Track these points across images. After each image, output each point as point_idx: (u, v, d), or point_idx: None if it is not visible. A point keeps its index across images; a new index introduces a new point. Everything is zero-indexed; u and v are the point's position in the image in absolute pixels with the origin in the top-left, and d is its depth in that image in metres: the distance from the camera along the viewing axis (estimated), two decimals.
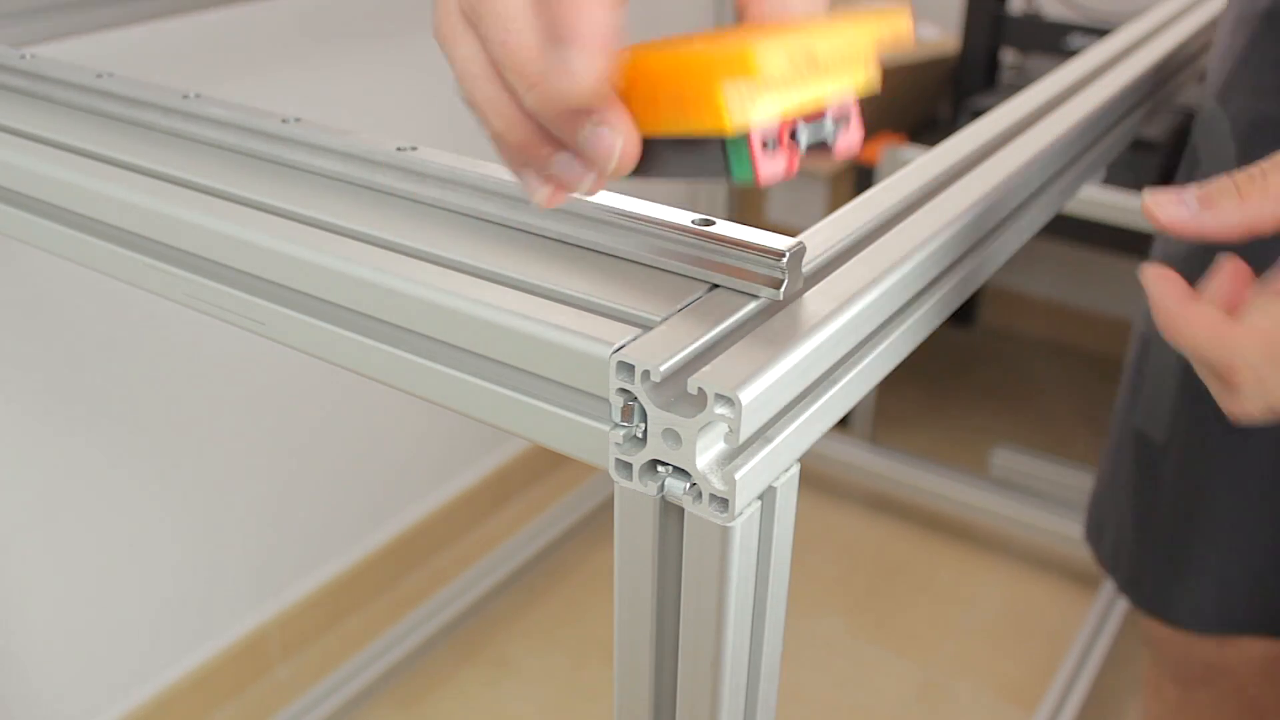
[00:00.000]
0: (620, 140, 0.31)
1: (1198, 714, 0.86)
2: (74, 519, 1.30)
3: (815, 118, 0.32)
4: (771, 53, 0.28)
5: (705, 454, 0.33)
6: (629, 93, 0.31)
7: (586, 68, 0.30)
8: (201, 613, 1.49)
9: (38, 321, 1.20)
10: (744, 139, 0.30)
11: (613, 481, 0.35)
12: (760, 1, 0.33)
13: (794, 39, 0.29)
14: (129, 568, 1.38)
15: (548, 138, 0.33)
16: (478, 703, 1.56)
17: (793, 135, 0.31)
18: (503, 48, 0.32)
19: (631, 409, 0.33)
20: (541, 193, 0.34)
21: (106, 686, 1.40)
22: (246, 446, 1.48)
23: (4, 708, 1.29)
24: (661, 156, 0.33)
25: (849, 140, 0.32)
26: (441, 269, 0.39)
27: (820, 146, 0.32)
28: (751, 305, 0.37)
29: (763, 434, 0.34)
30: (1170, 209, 0.44)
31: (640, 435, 0.34)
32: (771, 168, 0.31)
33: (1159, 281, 0.44)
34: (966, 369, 2.29)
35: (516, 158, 0.34)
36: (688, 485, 0.33)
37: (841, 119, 0.32)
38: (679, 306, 0.36)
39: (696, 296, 0.37)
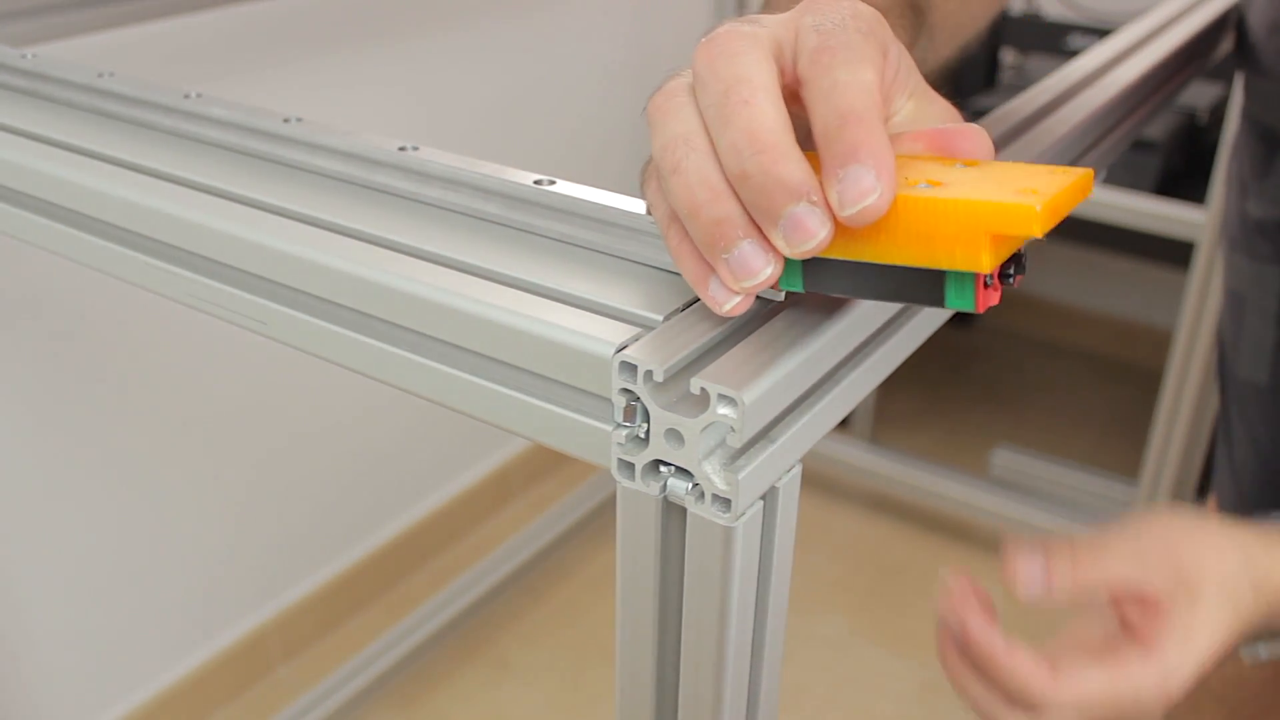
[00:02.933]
0: (826, 229, 0.32)
1: None
2: (74, 519, 1.30)
3: (1016, 252, 0.34)
4: (1045, 213, 0.30)
5: (708, 454, 0.33)
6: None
7: (886, 190, 0.31)
8: (201, 613, 1.49)
9: (38, 322, 1.20)
10: (972, 276, 0.32)
11: (614, 481, 0.35)
12: (957, 138, 0.36)
13: (1052, 198, 0.31)
14: (129, 568, 1.38)
15: (743, 220, 0.33)
16: (478, 703, 1.56)
17: (1002, 270, 0.33)
18: (745, 106, 0.32)
19: (634, 409, 0.33)
20: (736, 301, 0.34)
21: (106, 686, 1.40)
22: (246, 446, 1.48)
23: (5, 707, 1.29)
24: (859, 277, 0.34)
25: (1022, 275, 0.35)
26: (443, 269, 0.39)
27: (1012, 277, 0.34)
28: (753, 304, 0.37)
29: (765, 434, 0.34)
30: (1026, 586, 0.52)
31: (643, 435, 0.34)
32: (989, 300, 0.33)
33: (975, 625, 0.50)
34: (966, 369, 2.29)
35: (707, 236, 0.33)
36: (690, 485, 0.33)
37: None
38: (681, 306, 0.36)
39: (699, 297, 0.37)
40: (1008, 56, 1.99)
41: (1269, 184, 0.78)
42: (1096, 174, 0.65)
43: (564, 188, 0.42)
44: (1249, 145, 0.80)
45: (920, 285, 0.33)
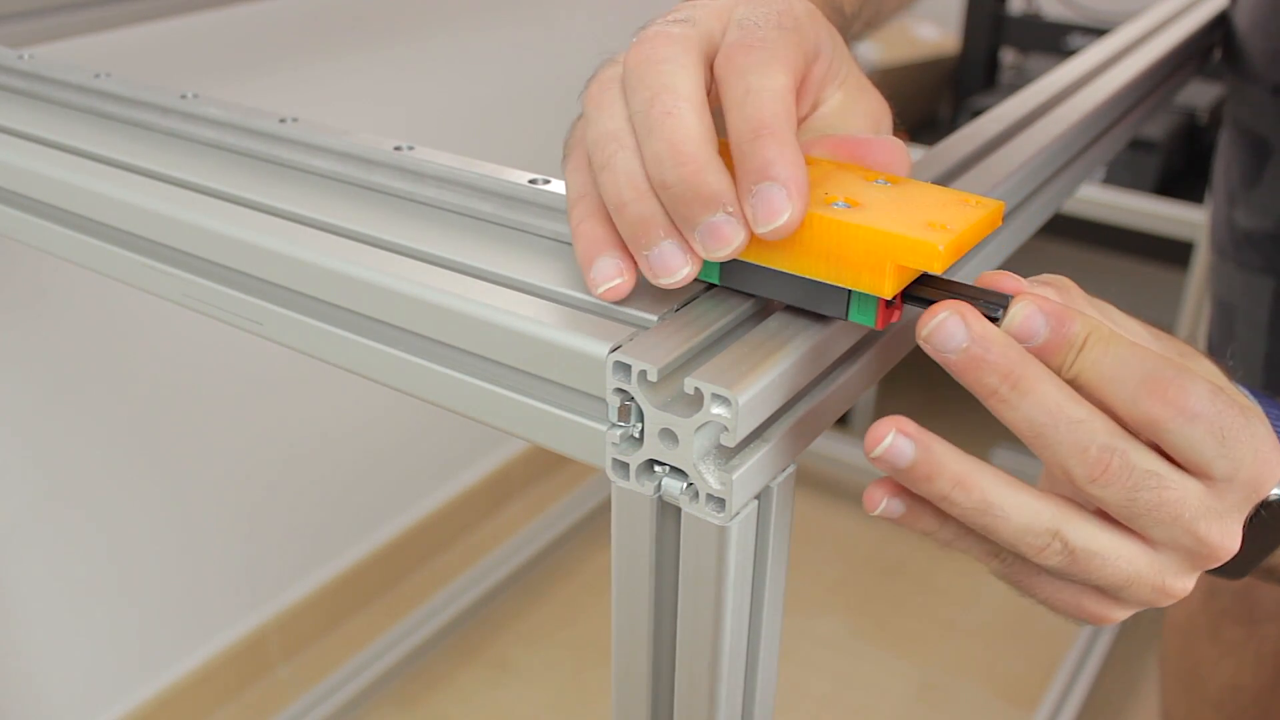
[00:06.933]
0: (741, 237, 0.33)
1: (1259, 646, 0.90)
2: (74, 519, 1.30)
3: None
4: (948, 251, 0.32)
5: (702, 454, 0.33)
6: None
7: (797, 208, 0.32)
8: (201, 613, 1.49)
9: (37, 323, 1.20)
10: (874, 298, 0.34)
11: (610, 481, 0.35)
12: (873, 150, 0.37)
13: (958, 236, 0.33)
14: (129, 568, 1.38)
15: (664, 221, 0.34)
16: (478, 703, 1.56)
17: (904, 291, 0.35)
18: (667, 118, 0.33)
19: (629, 409, 0.33)
20: (613, 285, 0.35)
21: (106, 686, 1.40)
22: (246, 446, 1.48)
23: (4, 708, 1.29)
24: (771, 281, 0.35)
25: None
26: (438, 269, 0.39)
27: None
28: (748, 304, 0.37)
29: (759, 434, 0.34)
30: None
31: (637, 435, 0.34)
32: (891, 318, 0.35)
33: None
34: None
35: (632, 231, 0.34)
36: (684, 485, 0.33)
37: None
38: (675, 306, 0.36)
39: (693, 296, 0.37)
40: (1008, 56, 1.99)
41: (1258, 194, 0.77)
42: (1096, 173, 0.65)
43: (559, 187, 0.42)
44: (1237, 154, 0.79)
45: (827, 297, 0.35)
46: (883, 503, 0.35)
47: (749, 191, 0.32)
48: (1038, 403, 0.32)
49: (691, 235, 0.34)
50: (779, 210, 0.32)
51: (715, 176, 0.33)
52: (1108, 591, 0.36)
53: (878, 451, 0.33)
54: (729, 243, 0.33)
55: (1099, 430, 0.32)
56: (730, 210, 0.33)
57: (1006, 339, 0.32)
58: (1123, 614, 0.38)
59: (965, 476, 0.33)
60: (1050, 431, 0.32)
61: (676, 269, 0.34)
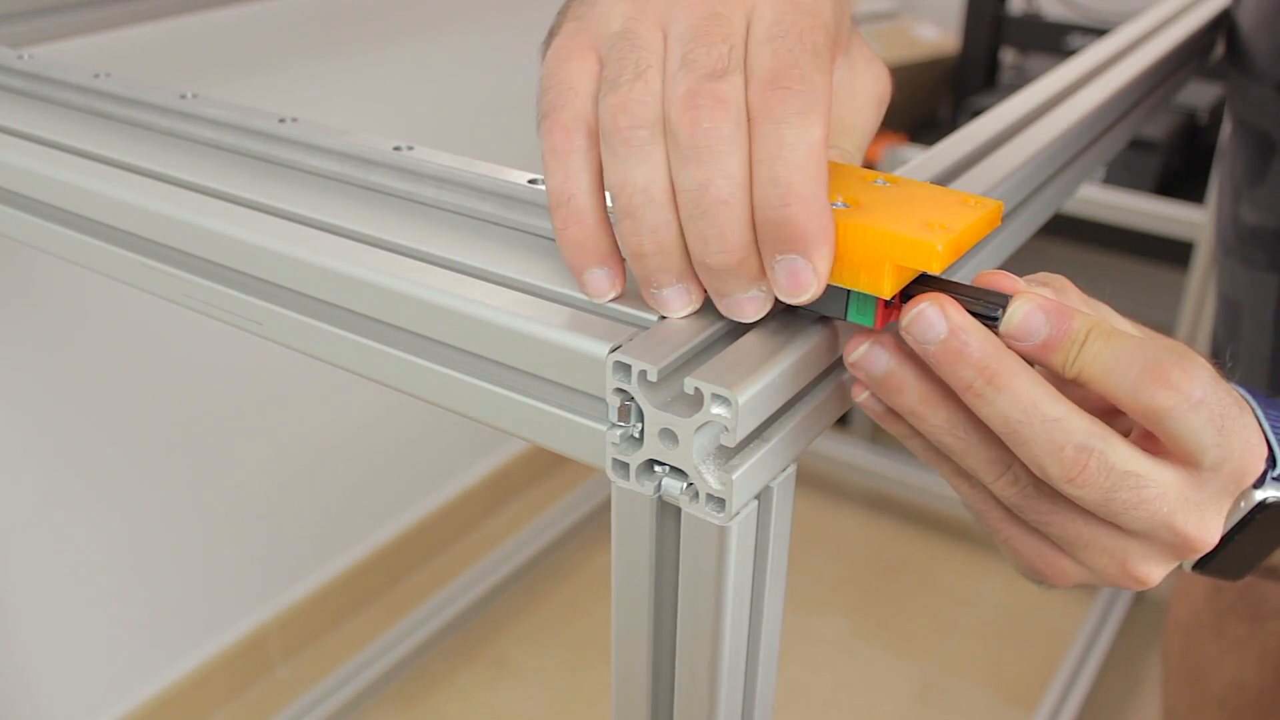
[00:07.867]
0: (767, 311, 0.34)
1: (1264, 642, 0.90)
2: (74, 519, 1.30)
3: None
4: (947, 251, 0.32)
5: (702, 454, 0.33)
6: None
7: (821, 283, 0.33)
8: (201, 613, 1.49)
9: (38, 322, 1.20)
10: (873, 298, 0.34)
11: (610, 481, 0.35)
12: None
13: (957, 236, 0.33)
14: (129, 568, 1.38)
15: (679, 270, 0.34)
16: (478, 703, 1.56)
17: (903, 292, 0.35)
18: (723, 207, 0.32)
19: (629, 409, 0.33)
20: (608, 299, 0.36)
21: (106, 686, 1.40)
22: (246, 447, 1.48)
23: (4, 707, 1.29)
24: None
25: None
26: (438, 269, 0.39)
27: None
28: None
29: (760, 434, 0.34)
30: None
31: (637, 435, 0.34)
32: (890, 318, 0.35)
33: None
34: None
35: (644, 275, 0.35)
36: (684, 485, 0.33)
37: None
38: None
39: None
40: (1008, 56, 1.99)
41: (1263, 190, 0.76)
42: (1096, 173, 0.65)
43: None
44: (1242, 151, 0.78)
45: (826, 297, 0.35)
46: (864, 394, 0.36)
47: (774, 258, 0.33)
48: (1012, 399, 0.32)
49: (719, 301, 0.34)
50: (805, 286, 0.33)
51: (756, 262, 0.33)
52: (1064, 548, 0.36)
53: (854, 357, 0.34)
54: (757, 314, 0.34)
55: (1075, 429, 0.32)
56: (763, 290, 0.34)
57: (985, 333, 0.32)
58: (1080, 576, 0.38)
59: (933, 395, 0.34)
60: (1025, 429, 0.32)
61: (680, 308, 0.35)
